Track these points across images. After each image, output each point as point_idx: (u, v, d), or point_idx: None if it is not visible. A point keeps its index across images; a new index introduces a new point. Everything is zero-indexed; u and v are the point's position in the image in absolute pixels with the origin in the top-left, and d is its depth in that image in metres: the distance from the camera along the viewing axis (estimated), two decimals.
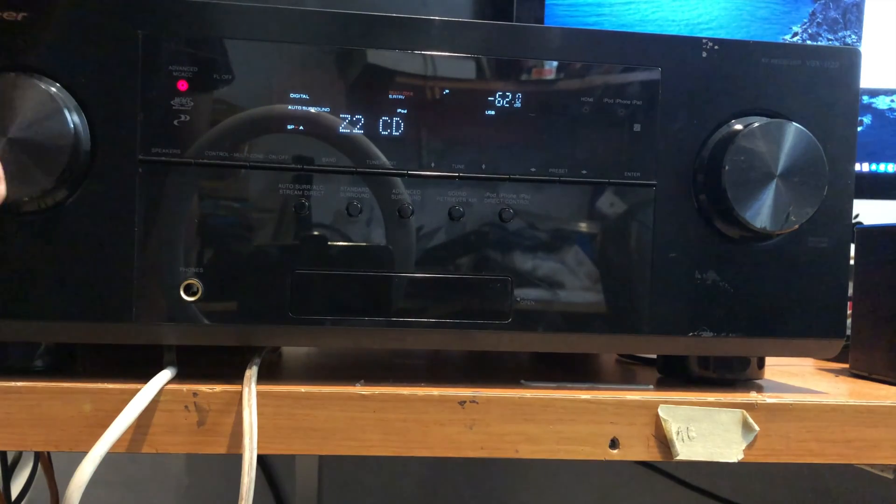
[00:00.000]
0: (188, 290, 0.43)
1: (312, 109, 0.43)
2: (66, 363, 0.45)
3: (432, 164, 0.44)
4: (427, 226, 0.45)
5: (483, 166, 0.45)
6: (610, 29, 0.77)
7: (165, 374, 0.42)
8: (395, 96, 0.44)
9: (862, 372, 0.57)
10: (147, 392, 0.40)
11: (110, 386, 0.41)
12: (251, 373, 0.42)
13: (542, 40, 0.45)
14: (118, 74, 0.42)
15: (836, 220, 0.47)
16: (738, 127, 0.46)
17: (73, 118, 0.40)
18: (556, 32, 0.46)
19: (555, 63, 0.45)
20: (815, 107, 0.47)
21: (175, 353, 0.45)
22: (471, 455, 0.43)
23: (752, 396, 0.45)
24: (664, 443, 0.44)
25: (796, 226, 0.46)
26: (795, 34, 0.79)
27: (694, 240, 0.46)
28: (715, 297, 0.46)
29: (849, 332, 0.56)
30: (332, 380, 0.44)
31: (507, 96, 0.45)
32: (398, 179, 0.44)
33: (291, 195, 0.43)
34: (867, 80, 0.78)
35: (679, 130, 0.46)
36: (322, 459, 0.91)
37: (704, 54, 0.46)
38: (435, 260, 0.45)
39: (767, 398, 0.45)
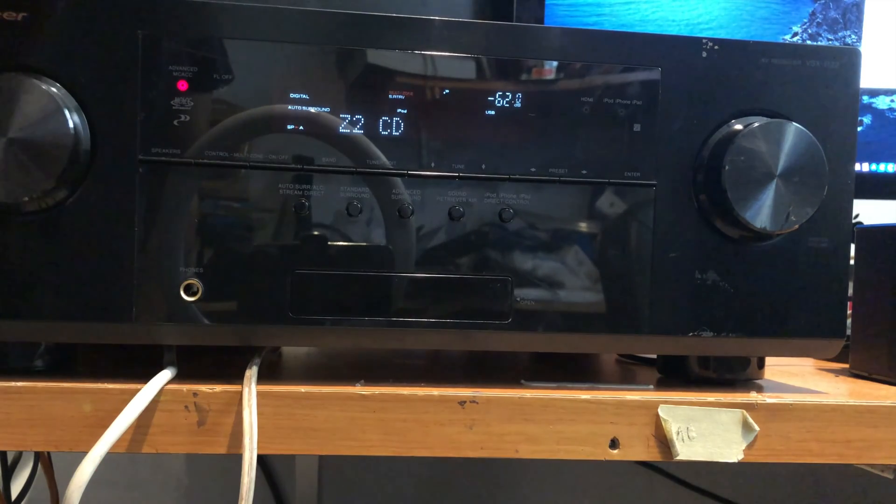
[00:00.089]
0: (188, 291, 0.43)
1: (312, 109, 0.43)
2: (66, 363, 0.45)
3: (432, 164, 0.44)
4: (427, 226, 0.45)
5: (483, 166, 0.45)
6: (610, 29, 0.77)
7: (165, 374, 0.42)
8: (395, 96, 0.44)
9: (862, 372, 0.57)
10: (147, 392, 0.40)
11: (110, 386, 0.41)
12: (251, 373, 0.42)
13: (542, 40, 0.45)
14: (118, 74, 0.42)
15: (836, 220, 0.47)
16: (738, 127, 0.45)
17: (73, 118, 0.40)
18: (556, 32, 0.46)
19: (555, 63, 0.45)
20: (815, 107, 0.47)
21: (175, 353, 0.45)
22: (471, 455, 0.43)
23: (752, 396, 0.45)
24: (664, 443, 0.44)
25: (796, 226, 0.46)
26: (795, 34, 0.79)
27: (694, 240, 0.46)
28: (715, 297, 0.46)
29: (849, 332, 0.56)
30: (332, 380, 0.44)
31: (507, 96, 0.45)
32: (398, 179, 0.44)
33: (291, 195, 0.43)
34: (867, 80, 0.78)
35: (679, 130, 0.46)
36: (322, 459, 0.91)
37: (704, 54, 0.46)
38: (435, 260, 0.45)
39: (767, 398, 0.45)
